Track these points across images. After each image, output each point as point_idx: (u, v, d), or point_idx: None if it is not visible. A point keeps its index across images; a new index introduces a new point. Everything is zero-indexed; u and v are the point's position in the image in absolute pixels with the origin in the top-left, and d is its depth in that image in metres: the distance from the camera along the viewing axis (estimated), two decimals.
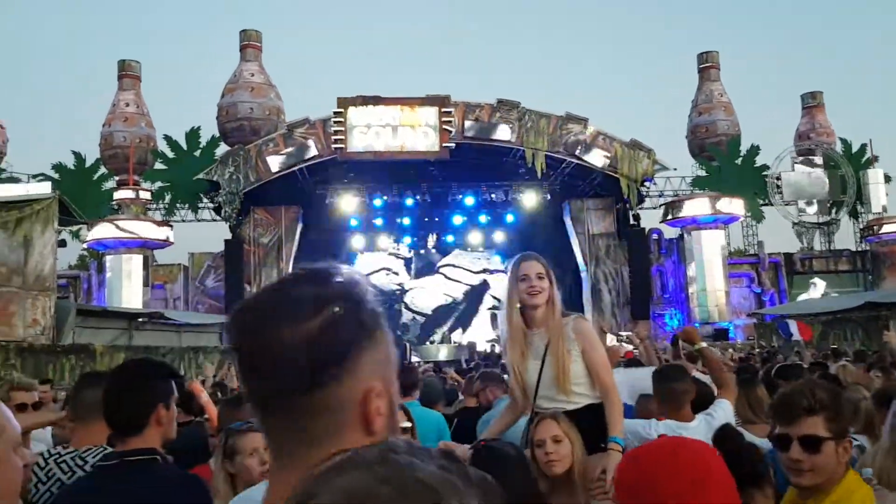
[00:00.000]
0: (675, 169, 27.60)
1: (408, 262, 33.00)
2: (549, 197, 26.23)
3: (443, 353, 23.56)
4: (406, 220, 28.95)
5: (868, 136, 42.95)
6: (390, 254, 32.79)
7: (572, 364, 3.11)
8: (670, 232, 27.59)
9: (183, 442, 4.17)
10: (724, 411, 3.32)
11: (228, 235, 25.68)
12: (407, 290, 32.58)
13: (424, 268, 33.01)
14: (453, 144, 24.43)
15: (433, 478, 0.58)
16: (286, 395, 0.80)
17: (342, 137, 24.26)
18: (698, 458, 1.22)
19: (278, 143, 24.83)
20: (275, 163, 24.58)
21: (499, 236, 29.72)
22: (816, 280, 26.71)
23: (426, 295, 32.70)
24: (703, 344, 3.72)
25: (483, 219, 28.88)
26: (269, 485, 0.87)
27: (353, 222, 28.74)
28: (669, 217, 26.80)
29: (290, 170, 24.60)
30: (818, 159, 30.20)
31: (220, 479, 2.73)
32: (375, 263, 32.71)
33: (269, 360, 0.80)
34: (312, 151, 24.64)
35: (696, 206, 26.08)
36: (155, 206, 27.39)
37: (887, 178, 30.17)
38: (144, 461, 2.09)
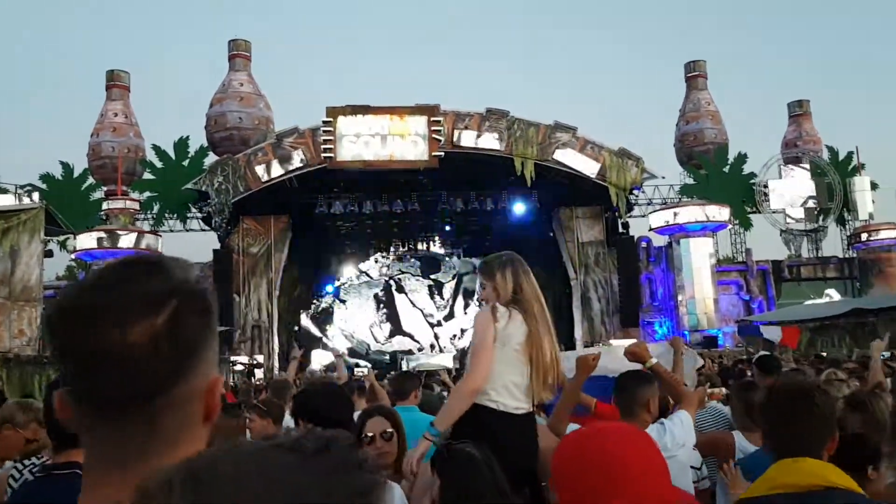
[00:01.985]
0: (664, 177, 27.76)
1: (398, 268, 33.04)
2: (538, 205, 26.28)
3: (439, 361, 23.69)
4: (395, 229, 29.01)
5: (854, 144, 43.28)
6: (378, 261, 32.88)
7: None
8: (659, 240, 27.67)
9: None
10: (680, 420, 3.23)
11: (217, 245, 25.62)
12: (396, 297, 32.59)
13: (416, 274, 33.04)
14: (443, 153, 24.48)
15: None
16: (146, 396, 0.77)
17: (331, 147, 24.27)
18: (608, 452, 1.23)
19: (267, 152, 24.81)
20: (264, 172, 24.56)
21: (488, 244, 29.77)
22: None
23: (421, 300, 32.70)
24: (654, 360, 3.67)
25: (473, 227, 28.93)
26: (99, 492, 0.80)
27: (343, 230, 28.78)
28: (658, 225, 26.91)
29: (280, 179, 24.59)
30: (805, 167, 30.42)
31: None
32: (368, 271, 32.78)
33: (123, 361, 0.75)
34: (302, 161, 24.64)
35: (685, 214, 26.18)
36: (143, 216, 27.32)
37: (874, 186, 30.41)
38: (67, 475, 1.93)
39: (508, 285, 3.03)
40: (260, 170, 24.57)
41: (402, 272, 32.66)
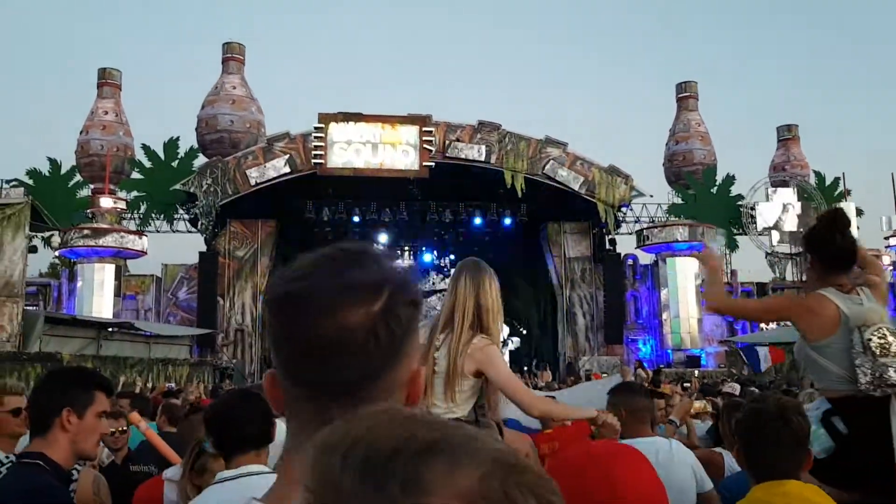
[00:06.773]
0: (652, 196, 27.85)
1: None
2: (526, 219, 26.33)
3: None
4: (384, 238, 28.91)
5: (841, 170, 43.71)
6: None
7: None
8: (645, 258, 27.77)
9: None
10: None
11: (203, 247, 25.48)
12: None
13: None
14: (433, 164, 24.50)
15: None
16: (361, 381, 0.80)
17: (322, 153, 24.25)
18: (604, 476, 1.21)
19: (258, 156, 24.75)
20: (253, 176, 24.49)
21: (477, 256, 29.72)
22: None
23: None
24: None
25: (461, 238, 28.91)
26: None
27: (331, 237, 28.69)
28: (645, 243, 27.01)
29: (269, 183, 24.52)
30: (792, 191, 30.64)
31: (189, 492, 2.74)
32: None
33: (341, 346, 0.78)
34: (292, 166, 24.59)
35: (672, 234, 26.32)
36: (130, 215, 27.12)
37: (859, 212, 30.62)
38: (26, 464, 2.05)
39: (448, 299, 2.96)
40: (250, 173, 24.50)
41: None
